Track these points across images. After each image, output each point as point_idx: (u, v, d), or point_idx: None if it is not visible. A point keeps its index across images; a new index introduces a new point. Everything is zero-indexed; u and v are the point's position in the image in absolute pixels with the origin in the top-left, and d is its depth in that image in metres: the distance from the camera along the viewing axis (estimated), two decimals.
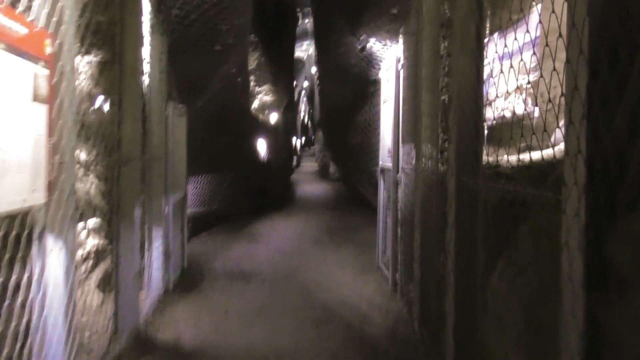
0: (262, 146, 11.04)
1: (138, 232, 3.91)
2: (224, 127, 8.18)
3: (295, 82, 19.74)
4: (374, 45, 5.47)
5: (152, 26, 4.29)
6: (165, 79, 4.75)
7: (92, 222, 4.27)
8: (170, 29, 4.53)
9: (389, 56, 5.56)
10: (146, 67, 4.27)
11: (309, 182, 18.78)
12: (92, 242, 4.35)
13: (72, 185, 2.23)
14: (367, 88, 6.95)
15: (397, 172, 5.09)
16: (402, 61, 4.94)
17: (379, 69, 5.99)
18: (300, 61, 25.10)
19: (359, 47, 5.42)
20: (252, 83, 10.73)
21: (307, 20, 14.85)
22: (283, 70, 12.02)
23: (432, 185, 3.65)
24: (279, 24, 11.03)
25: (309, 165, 29.93)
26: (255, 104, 11.53)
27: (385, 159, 5.78)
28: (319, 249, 7.53)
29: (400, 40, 4.96)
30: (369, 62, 5.96)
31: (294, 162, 23.64)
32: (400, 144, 4.98)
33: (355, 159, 8.61)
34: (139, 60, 3.71)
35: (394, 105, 5.10)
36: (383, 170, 6.07)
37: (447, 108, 3.24)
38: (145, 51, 4.23)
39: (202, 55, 5.23)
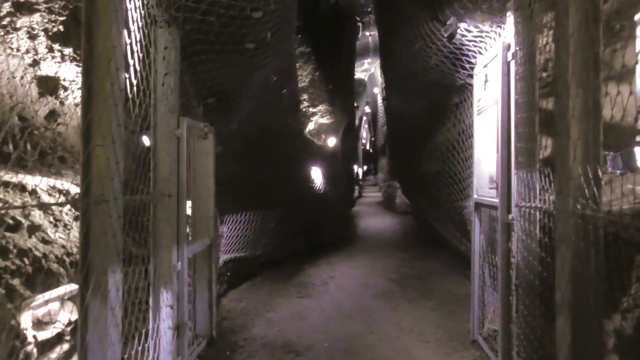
0: (317, 175, 9.73)
1: (117, 306, 2.63)
2: (268, 153, 6.97)
3: (355, 104, 18.47)
4: (465, 33, 4.04)
5: (149, 13, 3.13)
6: (176, 86, 3.55)
7: (65, 289, 3.18)
8: (180, 17, 3.35)
9: (487, 47, 4.10)
10: (145, 69, 3.09)
11: (372, 215, 17.24)
12: (67, 317, 3.23)
13: None
14: (450, 98, 5.48)
15: (509, 210, 3.56)
16: (513, 49, 3.47)
17: (470, 68, 4.53)
18: (360, 83, 23.92)
19: (446, 35, 4.02)
20: (305, 103, 9.54)
21: (369, 34, 13.53)
22: (342, 89, 10.78)
23: (594, 240, 2.16)
24: (336, 33, 9.84)
25: (372, 195, 28.41)
26: (310, 127, 10.31)
27: (483, 192, 4.25)
28: (389, 306, 6.00)
29: (509, 19, 3.51)
30: (456, 59, 4.51)
31: (356, 193, 22.17)
32: (514, 170, 3.46)
33: (431, 191, 7.07)
34: (117, 53, 2.50)
35: (501, 115, 3.60)
36: (479, 207, 4.53)
37: None
38: (140, 46, 3.05)
39: (229, 57, 4.04)
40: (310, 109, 9.90)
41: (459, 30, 3.96)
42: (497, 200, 3.72)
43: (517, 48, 3.41)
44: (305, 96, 9.32)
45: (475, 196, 4.56)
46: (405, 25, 5.12)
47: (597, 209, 2.15)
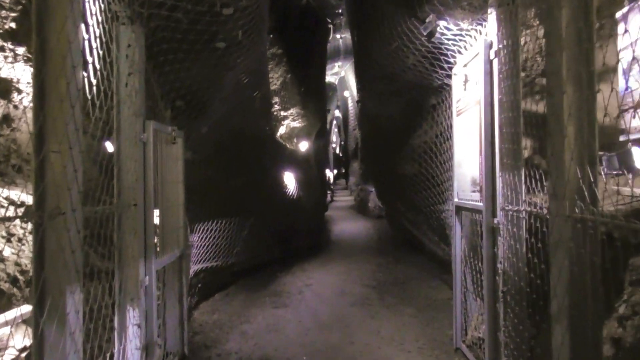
0: (290, 181, 9.53)
1: (78, 330, 2.38)
2: (241, 158, 6.74)
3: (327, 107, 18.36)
4: (445, 31, 3.93)
5: (110, 9, 2.90)
6: (141, 87, 3.31)
7: (17, 311, 2.91)
8: (145, 14, 3.12)
9: (467, 46, 4.01)
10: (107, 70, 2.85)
11: (345, 220, 17.12)
12: (21, 342, 2.98)
13: None
14: (427, 99, 5.38)
15: (494, 214, 3.45)
16: (495, 46, 3.38)
17: (449, 68, 4.44)
18: (331, 87, 23.83)
19: (425, 34, 3.90)
20: (276, 106, 9.34)
21: (339, 36, 13.40)
22: (313, 91, 10.62)
23: (593, 245, 2.07)
24: (308, 35, 9.68)
25: (344, 199, 28.31)
26: (282, 131, 10.12)
27: (465, 195, 4.15)
28: (368, 314, 5.85)
29: (491, 16, 3.41)
30: (434, 59, 4.41)
31: (328, 197, 22.00)
32: (499, 173, 3.35)
33: (408, 195, 6.96)
34: (74, 48, 2.26)
35: (485, 115, 3.50)
36: (460, 210, 4.42)
37: None
38: (100, 43, 2.81)
39: (198, 56, 3.82)
40: (282, 113, 9.70)
41: (438, 29, 3.85)
42: (481, 204, 3.61)
43: (500, 46, 3.31)
44: (276, 99, 9.12)
45: (455, 200, 4.46)
46: (381, 24, 5.00)
47: (597, 211, 2.04)
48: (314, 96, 10.64)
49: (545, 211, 2.68)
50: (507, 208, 3.24)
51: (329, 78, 21.27)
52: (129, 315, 3.28)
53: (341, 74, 20.32)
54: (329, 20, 11.68)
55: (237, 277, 7.41)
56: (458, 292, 4.55)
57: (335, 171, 42.22)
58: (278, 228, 8.68)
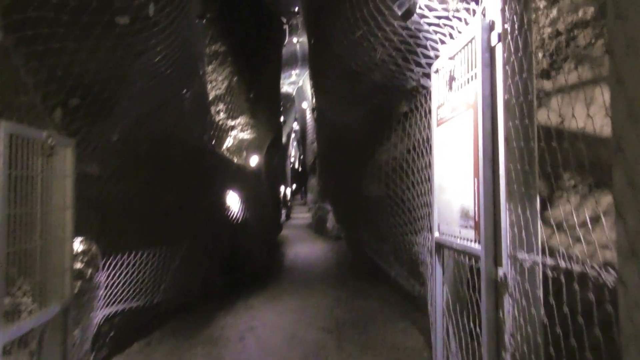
0: (234, 200, 8.42)
1: None
2: (169, 174, 5.63)
3: (283, 118, 17.33)
4: (426, 11, 3.01)
5: None
6: None
7: None
8: None
9: (453, 34, 3.11)
10: None
11: (301, 241, 16.06)
12: None
13: None
14: (398, 105, 4.47)
15: (497, 262, 2.51)
16: (499, 27, 2.47)
17: (428, 64, 3.53)
18: (288, 97, 22.88)
19: (400, 13, 2.98)
20: (221, 114, 8.27)
21: (296, 40, 12.40)
22: (265, 98, 9.59)
23: None
24: (259, 32, 8.68)
25: (301, 216, 27.33)
26: (229, 143, 9.03)
27: (450, 229, 3.21)
28: None
29: None
30: (410, 51, 3.49)
31: (283, 217, 20.86)
32: (504, 203, 2.43)
33: (371, 221, 6.02)
34: None
35: (483, 123, 2.57)
36: (442, 249, 3.48)
37: None
38: None
39: (87, 34, 2.74)
40: (229, 122, 8.62)
41: (417, 7, 2.94)
42: (477, 246, 2.67)
43: (506, 26, 2.42)
44: (221, 106, 8.05)
45: (436, 234, 3.51)
46: (342, 5, 4.03)
47: None
48: (266, 104, 9.63)
49: (588, 269, 1.76)
50: (519, 256, 2.31)
51: (286, 88, 20.33)
52: None
53: (299, 84, 19.39)
54: (284, 20, 10.70)
55: (164, 320, 6.22)
56: (439, 353, 3.59)
57: (295, 186, 41.44)
58: (219, 256, 7.55)
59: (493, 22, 2.53)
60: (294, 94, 22.18)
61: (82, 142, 3.75)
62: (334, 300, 7.68)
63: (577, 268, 1.87)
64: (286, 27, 10.94)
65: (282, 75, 15.40)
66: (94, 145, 4.07)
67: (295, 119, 29.22)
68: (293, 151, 39.80)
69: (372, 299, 7.54)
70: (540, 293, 2.24)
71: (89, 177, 4.59)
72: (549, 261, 2.10)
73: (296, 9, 10.36)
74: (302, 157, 34.46)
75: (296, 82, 19.01)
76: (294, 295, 8.09)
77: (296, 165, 41.30)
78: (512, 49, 2.39)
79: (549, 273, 2.10)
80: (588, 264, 1.81)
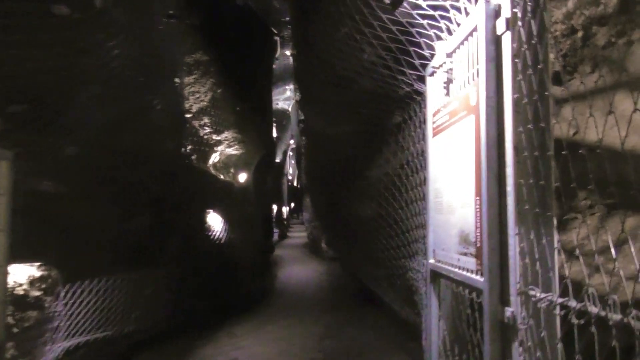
0: (217, 221, 7.93)
1: None
2: (141, 192, 5.18)
3: (276, 135, 16.90)
4: (420, 1, 2.60)
5: None
6: None
7: None
8: None
9: (451, 27, 2.69)
10: None
11: (295, 262, 15.55)
12: None
13: None
14: (390, 115, 4.04)
15: (503, 301, 2.05)
16: (508, 12, 2.05)
17: (422, 66, 3.12)
18: (284, 114, 22.52)
19: (389, 1, 2.57)
20: (206, 128, 7.85)
21: (290, 53, 12.03)
22: (255, 112, 9.18)
23: None
24: (246, 42, 8.29)
25: (298, 235, 26.87)
26: (215, 159, 8.59)
27: (446, 256, 2.74)
28: None
29: None
30: (402, 51, 3.07)
31: (275, 237, 20.26)
32: (513, 227, 1.97)
33: (364, 242, 5.55)
34: None
35: (486, 129, 2.13)
36: (437, 278, 3.02)
37: None
38: None
39: (14, 25, 2.32)
40: (214, 136, 8.19)
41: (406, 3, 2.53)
42: (479, 277, 2.21)
43: (516, 10, 2.00)
44: (205, 119, 7.63)
45: (431, 261, 3.05)
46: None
47: None
48: (255, 119, 9.20)
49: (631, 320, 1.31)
50: (532, 294, 1.85)
51: (282, 104, 19.99)
52: None
53: (295, 99, 19.04)
54: (275, 32, 10.31)
55: (136, 351, 5.71)
56: None
57: (293, 204, 41.10)
58: (199, 281, 7.05)
59: (499, 7, 2.11)
60: (290, 109, 21.82)
61: (28, 155, 3.31)
62: (324, 328, 7.17)
63: (615, 317, 1.41)
64: (277, 38, 10.59)
65: (276, 91, 15.03)
66: (46, 159, 3.63)
67: (292, 136, 28.89)
68: (291, 169, 39.48)
69: (364, 327, 7.03)
70: (560, 343, 1.78)
71: (45, 194, 4.16)
72: (573, 303, 1.64)
73: (288, 18, 10.03)
74: (300, 174, 34.16)
75: (291, 98, 18.65)
76: (281, 324, 7.58)
77: (295, 183, 41.05)
78: (523, 37, 1.97)
79: (573, 319, 1.64)
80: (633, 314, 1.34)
